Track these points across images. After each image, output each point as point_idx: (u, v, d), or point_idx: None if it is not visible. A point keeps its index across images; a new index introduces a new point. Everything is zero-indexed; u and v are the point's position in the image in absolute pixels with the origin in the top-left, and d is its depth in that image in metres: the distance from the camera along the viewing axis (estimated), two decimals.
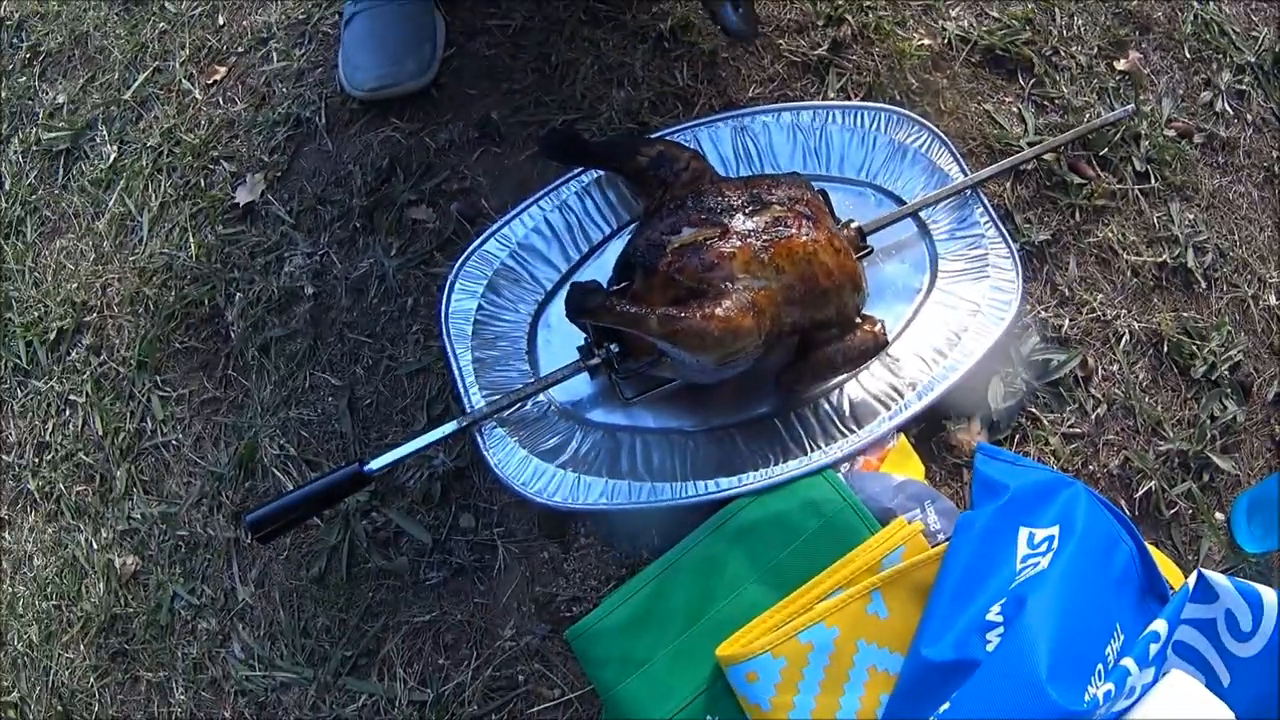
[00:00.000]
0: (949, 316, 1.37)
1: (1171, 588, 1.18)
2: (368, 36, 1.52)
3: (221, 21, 1.72)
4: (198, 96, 1.64)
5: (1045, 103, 1.54)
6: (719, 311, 1.16)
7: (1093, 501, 1.21)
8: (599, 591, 1.26)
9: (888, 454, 1.30)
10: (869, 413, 1.31)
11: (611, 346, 1.25)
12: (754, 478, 1.27)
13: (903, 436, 1.31)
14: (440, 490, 1.33)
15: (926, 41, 1.57)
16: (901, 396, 1.32)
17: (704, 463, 1.29)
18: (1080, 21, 1.60)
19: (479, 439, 1.28)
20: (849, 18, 1.58)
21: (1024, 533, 1.19)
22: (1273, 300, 1.45)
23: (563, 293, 1.35)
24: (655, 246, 1.23)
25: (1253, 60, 1.60)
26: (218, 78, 1.66)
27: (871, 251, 1.36)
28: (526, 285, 1.38)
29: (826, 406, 1.32)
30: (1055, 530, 1.17)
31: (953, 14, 1.61)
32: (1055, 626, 1.05)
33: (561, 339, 1.34)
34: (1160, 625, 1.10)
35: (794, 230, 1.22)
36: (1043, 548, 1.16)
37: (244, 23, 1.70)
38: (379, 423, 1.38)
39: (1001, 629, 1.08)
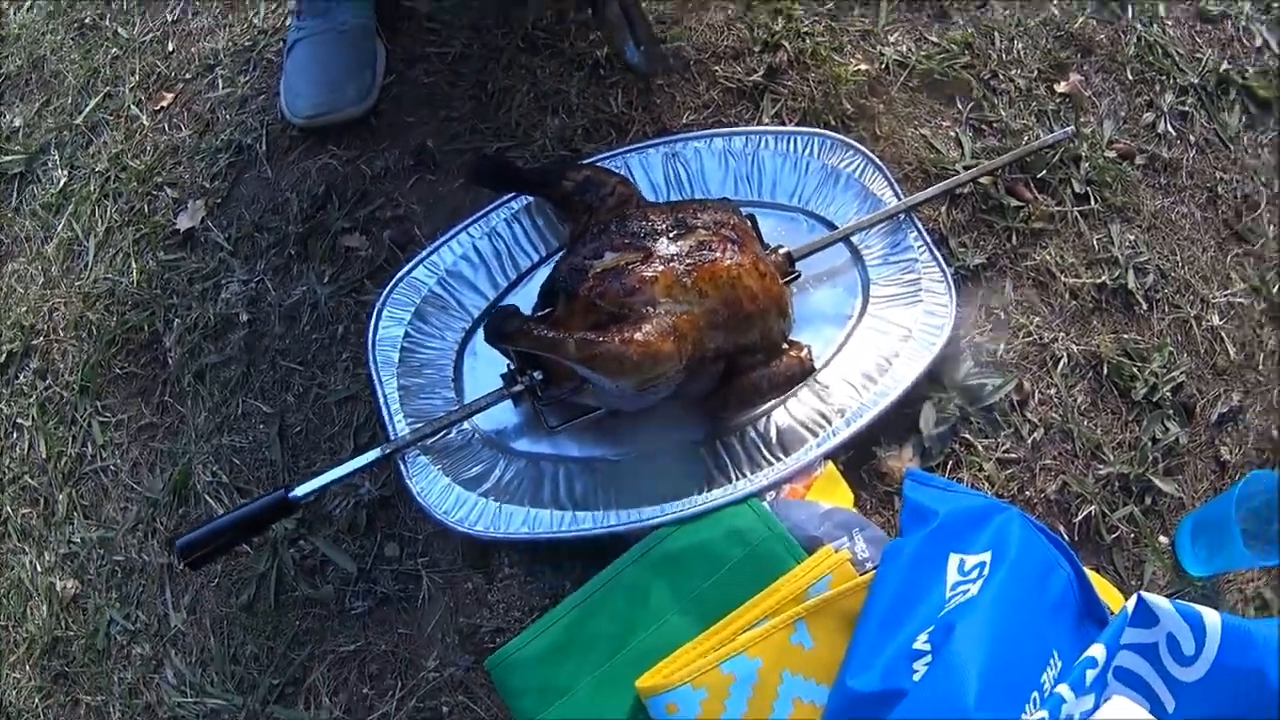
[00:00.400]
0: (880, 342, 1.30)
1: (1111, 612, 1.09)
2: (309, 63, 1.46)
3: (171, 48, 1.66)
4: (145, 123, 1.59)
5: (983, 126, 1.47)
6: (638, 336, 1.10)
7: (1027, 527, 1.13)
8: (522, 622, 1.19)
9: (814, 481, 1.22)
10: (796, 440, 1.24)
11: (534, 374, 1.18)
12: (678, 507, 1.19)
13: (830, 464, 1.23)
14: (366, 519, 1.26)
15: (864, 66, 1.50)
16: (829, 423, 1.25)
17: (628, 491, 1.22)
18: (1020, 45, 1.53)
19: (402, 467, 1.21)
20: (785, 43, 1.51)
21: (954, 559, 1.11)
22: (1216, 320, 1.37)
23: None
24: (577, 271, 1.16)
25: (1195, 82, 1.52)
26: (165, 104, 1.60)
27: (799, 276, 1.29)
28: (454, 312, 1.31)
29: (753, 434, 1.25)
30: (987, 556, 1.09)
31: (891, 39, 1.54)
32: (985, 654, 0.98)
33: (487, 367, 1.27)
34: (1097, 650, 1.03)
35: (718, 254, 1.16)
36: (974, 574, 1.09)
37: (192, 49, 1.65)
38: (308, 450, 1.31)
39: (929, 657, 1.01)
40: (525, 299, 1.28)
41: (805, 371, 1.21)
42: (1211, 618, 1.03)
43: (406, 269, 1.32)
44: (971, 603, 1.03)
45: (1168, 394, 1.31)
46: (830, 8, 1.56)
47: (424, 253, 1.33)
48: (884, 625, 1.06)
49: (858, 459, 1.26)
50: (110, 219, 1.53)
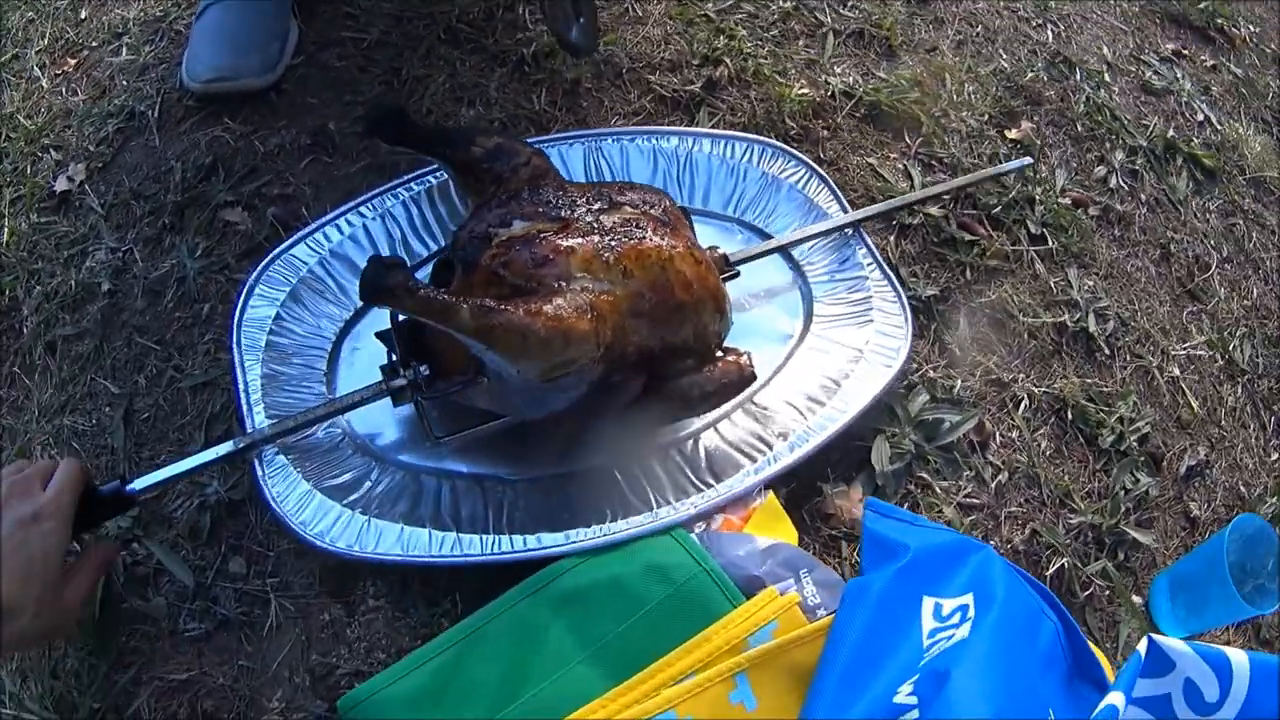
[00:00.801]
0: (826, 363, 1.03)
1: (1106, 671, 0.86)
2: (217, 28, 1.20)
3: (84, 15, 1.38)
4: (44, 85, 1.29)
5: (933, 162, 1.24)
6: (547, 308, 0.82)
7: (1009, 568, 0.87)
8: (387, 664, 0.87)
9: (753, 513, 0.93)
10: (730, 465, 0.96)
11: (421, 368, 0.89)
12: (585, 535, 0.90)
13: (771, 494, 0.94)
14: (210, 524, 0.94)
15: (807, 91, 1.26)
16: (770, 448, 0.97)
17: (524, 514, 0.92)
18: (971, 89, 1.32)
19: (257, 466, 0.90)
20: (726, 60, 1.28)
21: (929, 603, 0.85)
22: (1176, 372, 1.15)
23: (374, 311, 1.01)
24: (478, 238, 0.88)
25: (1144, 144, 1.33)
26: (67, 69, 1.32)
27: (738, 275, 1.02)
28: (333, 298, 1.02)
29: (677, 457, 0.96)
30: (969, 599, 0.84)
31: (837, 70, 1.31)
32: (987, 708, 0.73)
33: (367, 361, 0.99)
34: (1116, 698, 0.76)
35: (647, 233, 0.89)
36: (954, 619, 0.83)
37: (104, 18, 1.37)
38: (154, 440, 0.98)
39: (915, 713, 0.75)
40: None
41: (744, 380, 0.95)
42: (1238, 657, 0.78)
43: (286, 244, 1.03)
44: (963, 646, 0.78)
45: (1134, 443, 1.07)
46: (775, 34, 1.33)
47: (308, 228, 1.04)
48: (850, 677, 0.79)
49: (799, 496, 0.98)
50: None
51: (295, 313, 1.02)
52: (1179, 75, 1.47)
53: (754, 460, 0.97)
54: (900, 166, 1.24)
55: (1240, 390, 1.19)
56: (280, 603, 0.92)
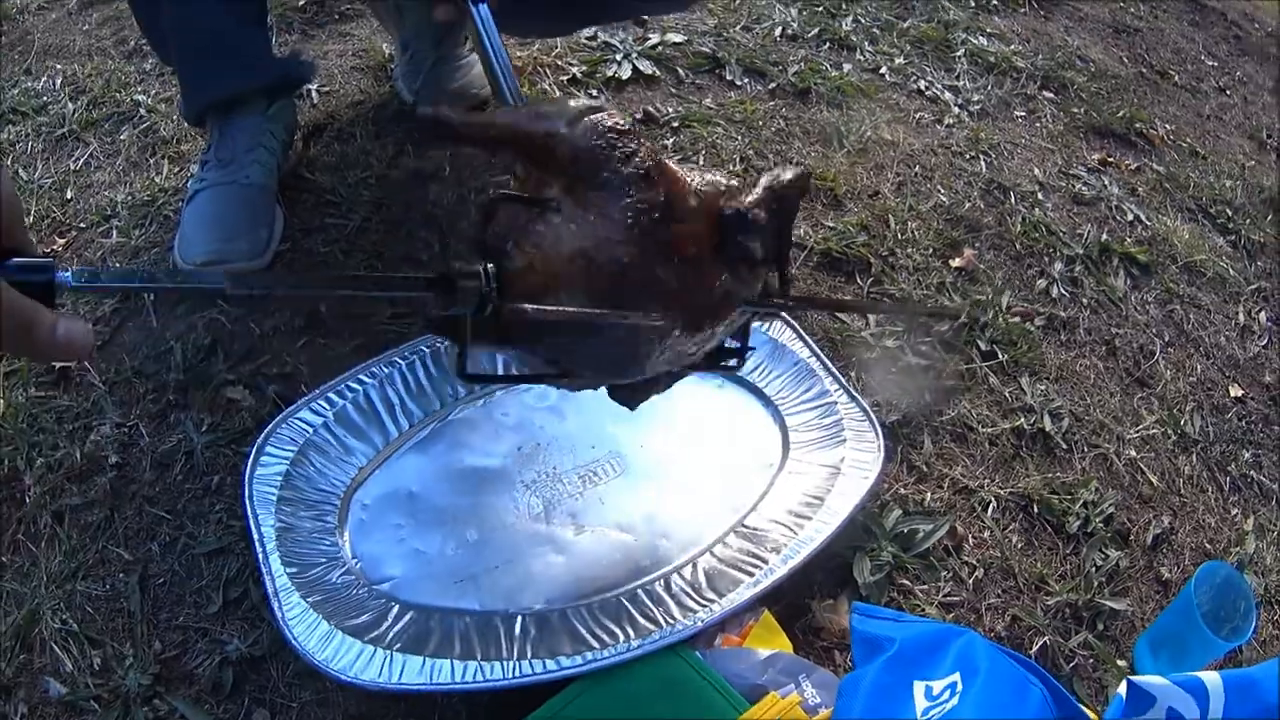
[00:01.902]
0: (806, 483, 1.18)
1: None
2: (207, 212, 1.36)
3: (69, 195, 1.54)
4: None
5: (885, 299, 1.43)
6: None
7: (990, 647, 0.99)
8: None
9: (750, 630, 1.06)
10: (728, 581, 1.09)
11: (487, 265, 0.77)
12: (599, 656, 1.01)
13: (766, 611, 1.08)
14: (232, 680, 1.04)
15: None
16: (764, 562, 1.10)
17: (539, 640, 1.04)
18: (914, 226, 1.53)
19: (276, 610, 1.01)
20: None
21: (919, 686, 0.96)
22: (1133, 453, 1.32)
23: (379, 473, 1.17)
24: None
25: (1080, 252, 1.54)
26: (56, 248, 1.47)
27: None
28: (338, 458, 1.17)
29: (678, 580, 1.10)
30: (956, 677, 0.95)
31: None
32: None
33: (377, 521, 1.14)
34: None
35: None
36: (944, 696, 0.94)
37: (91, 200, 1.53)
38: (170, 603, 1.10)
39: None
40: (422, 451, 1.18)
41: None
42: (1211, 678, 0.92)
43: (291, 409, 1.18)
44: (953, 715, 0.90)
45: (1100, 524, 1.23)
46: None
47: (311, 394, 1.20)
48: None
49: (790, 614, 1.11)
50: None
51: (304, 471, 1.15)
52: (1106, 182, 1.69)
53: (751, 575, 1.10)
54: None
55: (1195, 459, 1.37)
56: None
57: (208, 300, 1.33)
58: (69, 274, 0.60)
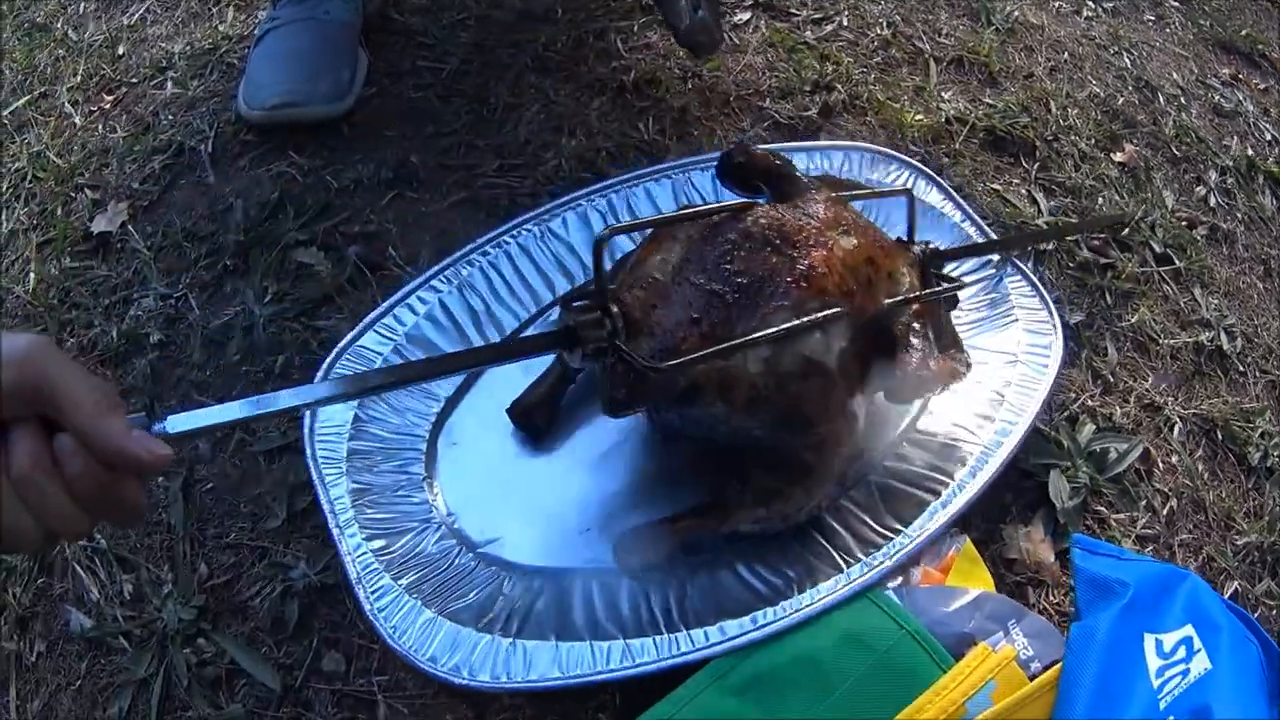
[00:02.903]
0: (982, 373, 0.83)
1: None
2: (280, 51, 0.99)
3: (121, 51, 1.16)
4: (77, 122, 1.07)
5: (1053, 187, 1.07)
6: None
7: (1216, 596, 0.76)
8: None
9: (953, 561, 0.73)
10: (912, 504, 0.75)
11: (612, 307, 0.63)
12: (773, 614, 0.67)
13: (968, 539, 0.74)
14: (298, 614, 0.70)
15: (922, 117, 1.09)
16: (950, 477, 0.76)
17: (697, 602, 0.69)
18: (1074, 113, 1.16)
19: (363, 600, 0.67)
20: (839, 85, 1.10)
21: (1150, 640, 0.70)
22: None
23: (466, 401, 0.80)
24: None
25: (1230, 164, 1.18)
26: (104, 106, 1.09)
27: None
28: (417, 390, 0.79)
29: (852, 506, 0.75)
30: (1189, 630, 0.71)
31: (945, 96, 1.14)
32: None
33: (475, 458, 0.77)
34: None
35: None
36: (1179, 653, 0.70)
37: (145, 54, 1.15)
38: (220, 516, 0.75)
39: None
40: (513, 371, 0.77)
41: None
42: None
43: (351, 336, 0.80)
44: (1212, 678, 0.68)
45: (1278, 459, 0.91)
46: (879, 61, 1.17)
47: (374, 312, 0.82)
48: None
49: (976, 543, 0.76)
50: (17, 221, 0.98)
51: (376, 413, 0.78)
52: (1241, 98, 1.35)
53: (937, 494, 0.76)
54: (1024, 192, 1.07)
55: None
56: (391, 705, 0.68)
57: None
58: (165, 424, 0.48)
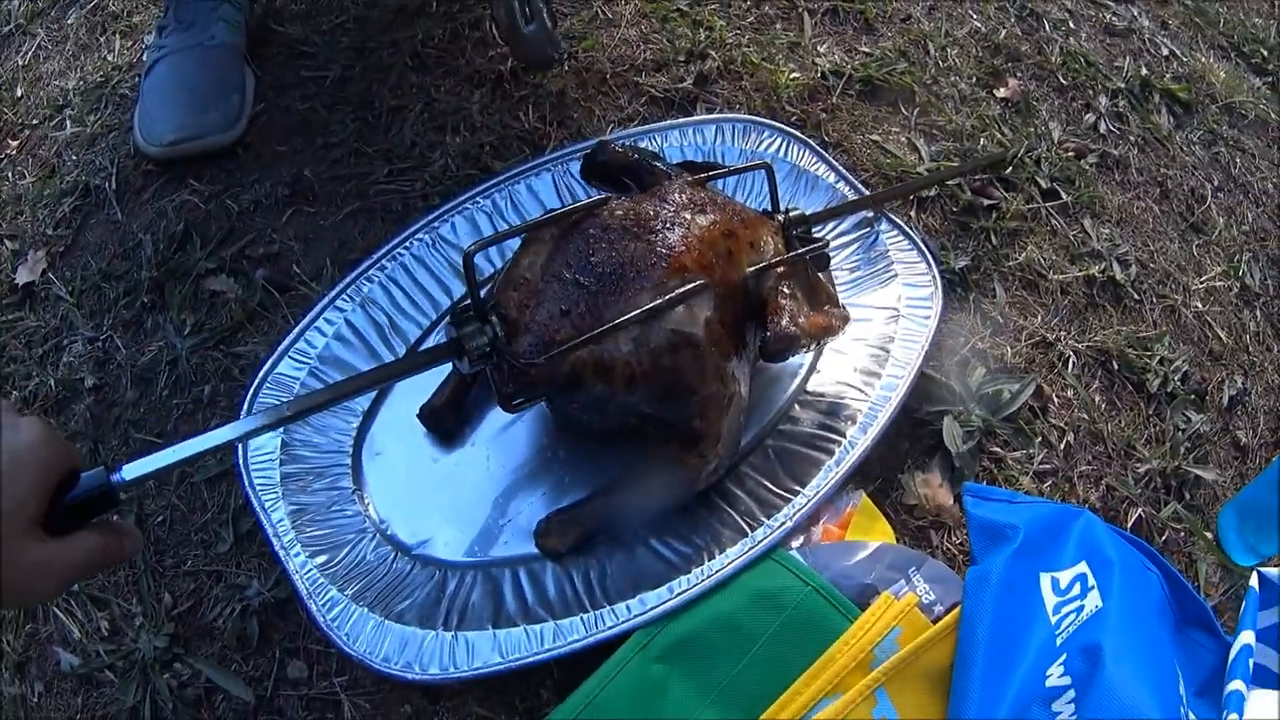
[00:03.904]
0: (865, 330, 0.91)
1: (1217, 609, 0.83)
2: (170, 84, 1.03)
3: (20, 93, 1.20)
4: None
5: (934, 131, 1.13)
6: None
7: (1110, 530, 0.82)
8: None
9: (851, 516, 0.81)
10: (808, 464, 0.83)
11: (492, 318, 0.73)
12: (687, 582, 0.76)
13: (864, 494, 0.83)
14: (259, 630, 0.79)
15: (797, 75, 1.14)
16: (842, 435, 0.85)
17: (615, 579, 0.78)
18: (953, 53, 1.21)
19: (315, 613, 0.75)
20: (712, 52, 1.15)
21: (1045, 579, 0.77)
22: (1199, 306, 1.06)
23: (382, 413, 0.88)
24: None
25: (1122, 86, 1.24)
26: (10, 152, 1.14)
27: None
28: (335, 409, 0.85)
29: (749, 470, 0.83)
30: (1083, 567, 0.77)
31: (821, 49, 1.19)
32: (1143, 669, 0.70)
33: (400, 461, 0.85)
34: (1247, 637, 0.74)
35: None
36: (1074, 590, 0.76)
37: (42, 93, 1.19)
38: (175, 545, 0.83)
39: (1071, 693, 0.69)
40: (424, 376, 0.82)
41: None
42: None
43: (268, 365, 0.87)
44: (1103, 615, 0.73)
45: (1178, 383, 0.98)
46: (752, 21, 1.21)
47: (285, 340, 0.88)
48: (992, 671, 0.71)
49: (877, 493, 0.86)
50: None
51: (301, 435, 0.86)
52: (1136, 13, 1.39)
53: (831, 453, 0.84)
54: (904, 140, 1.13)
55: (1259, 314, 1.11)
56: (354, 702, 0.77)
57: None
58: (121, 473, 0.59)
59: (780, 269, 0.81)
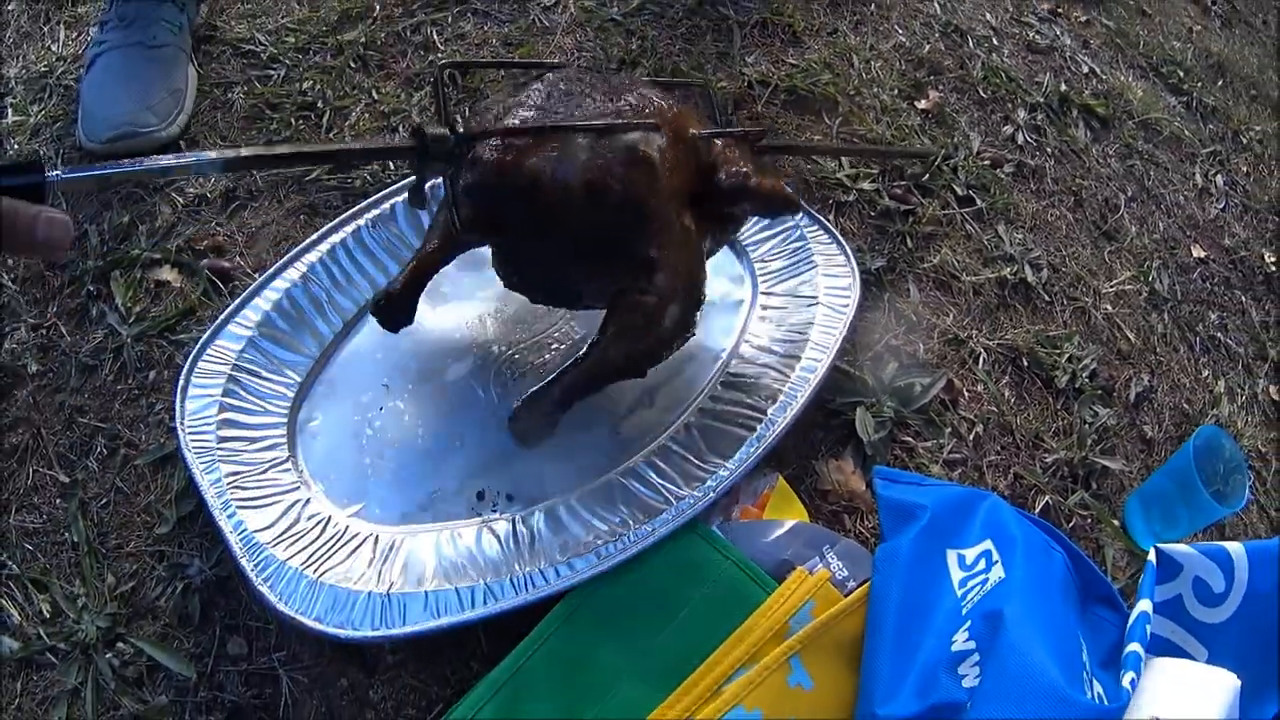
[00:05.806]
0: (786, 316, 1.01)
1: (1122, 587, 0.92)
2: (110, 79, 1.09)
3: None
4: None
5: (855, 140, 1.24)
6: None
7: (1015, 511, 0.90)
8: None
9: (768, 498, 0.90)
10: (730, 441, 0.92)
11: (456, 122, 0.78)
12: (615, 549, 0.83)
13: (781, 478, 0.92)
14: (200, 607, 0.85)
15: (725, 84, 1.25)
16: (762, 413, 0.93)
17: (545, 543, 0.85)
18: (877, 65, 1.33)
19: (247, 569, 0.82)
20: (643, 61, 1.25)
21: (952, 555, 0.87)
22: (1109, 308, 1.17)
23: (321, 381, 0.96)
24: None
25: (1041, 100, 1.36)
26: None
27: None
28: (272, 378, 0.95)
29: (674, 446, 0.92)
30: (988, 544, 0.87)
31: (749, 60, 1.30)
32: (1044, 634, 0.78)
33: (335, 430, 0.93)
34: (1145, 605, 0.83)
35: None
36: (979, 565, 0.85)
37: None
38: (117, 527, 0.89)
39: (976, 656, 0.77)
40: (359, 349, 0.96)
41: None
42: (1235, 547, 0.86)
43: (208, 335, 0.95)
44: (1005, 585, 0.82)
45: (1086, 380, 1.09)
46: (684, 31, 1.31)
47: (227, 311, 0.96)
48: (901, 638, 0.79)
49: (792, 479, 0.94)
50: None
51: (240, 401, 0.93)
52: (1059, 32, 1.51)
53: (752, 429, 0.93)
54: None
55: (1166, 317, 1.23)
56: (292, 676, 0.84)
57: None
58: (57, 173, 0.60)
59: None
